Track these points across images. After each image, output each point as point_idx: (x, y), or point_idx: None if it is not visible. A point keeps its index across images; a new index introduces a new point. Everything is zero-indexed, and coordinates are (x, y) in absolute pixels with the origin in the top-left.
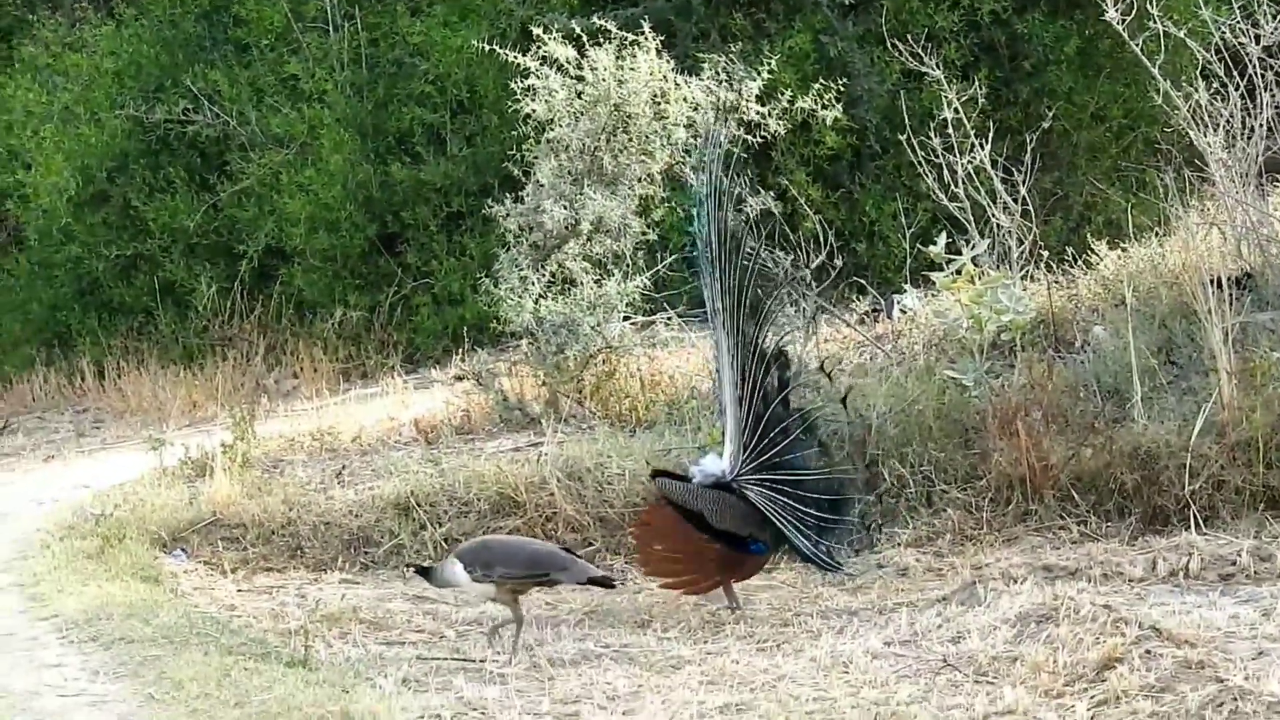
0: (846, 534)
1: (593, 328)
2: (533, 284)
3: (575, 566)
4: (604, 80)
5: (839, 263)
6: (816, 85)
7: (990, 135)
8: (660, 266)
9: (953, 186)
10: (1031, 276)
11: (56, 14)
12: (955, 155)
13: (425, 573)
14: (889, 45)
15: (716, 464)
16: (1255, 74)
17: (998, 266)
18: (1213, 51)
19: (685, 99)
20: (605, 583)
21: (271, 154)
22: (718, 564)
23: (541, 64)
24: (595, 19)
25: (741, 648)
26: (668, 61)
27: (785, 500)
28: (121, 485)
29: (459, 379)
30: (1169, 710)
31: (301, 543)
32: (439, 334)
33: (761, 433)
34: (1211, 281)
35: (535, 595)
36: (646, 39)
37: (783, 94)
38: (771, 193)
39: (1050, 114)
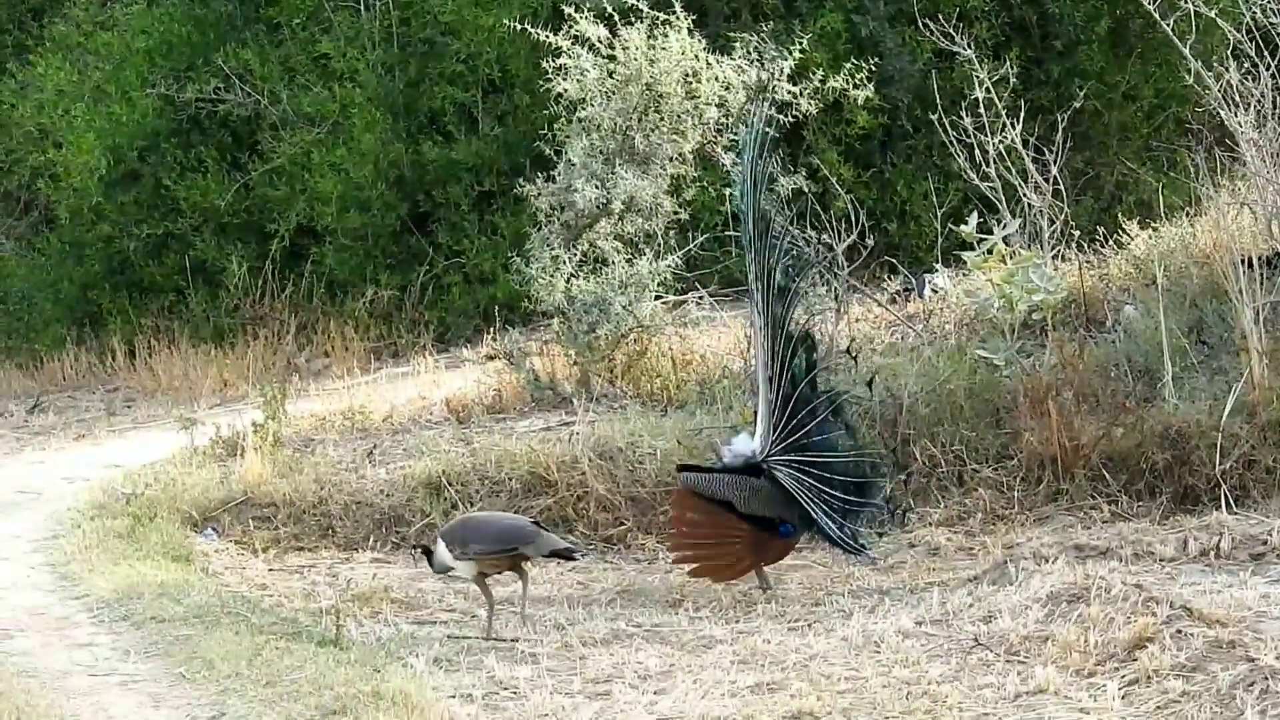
0: (871, 517)
1: (624, 307)
2: (564, 263)
3: (540, 540)
4: (635, 59)
5: (870, 242)
6: (848, 65)
7: (1021, 115)
8: (692, 246)
9: (984, 166)
10: (1062, 256)
11: None
12: (986, 135)
13: (428, 555)
14: (920, 24)
15: (747, 444)
16: None
17: (1029, 246)
18: (1244, 31)
19: (717, 78)
20: (567, 555)
21: (303, 133)
22: (746, 545)
23: (573, 43)
24: None
25: (773, 627)
26: (699, 41)
27: (811, 482)
28: (152, 464)
29: (490, 358)
30: (1200, 689)
31: (333, 522)
32: (470, 313)
33: (790, 414)
34: (1242, 261)
35: (568, 575)
36: (678, 18)
37: (814, 73)
38: (803, 172)
39: (1081, 93)
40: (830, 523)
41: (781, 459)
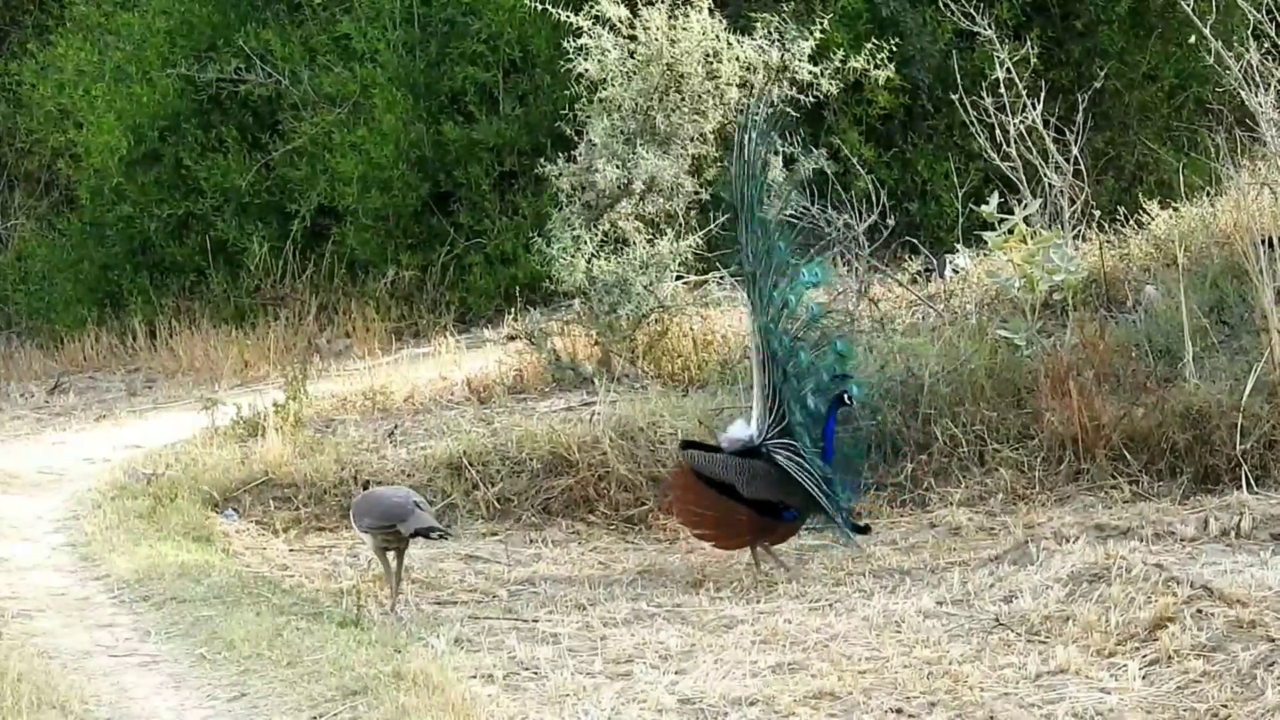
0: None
1: (645, 287)
2: (585, 243)
3: (411, 518)
4: (656, 40)
5: (891, 222)
6: (869, 45)
7: (1042, 95)
8: (713, 226)
9: (1005, 146)
10: (1083, 236)
11: None
12: (1007, 115)
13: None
14: (941, 4)
15: (744, 429)
16: None
17: (1050, 226)
18: (1264, 11)
19: (738, 58)
20: (428, 534)
21: (324, 113)
22: (748, 528)
23: (594, 23)
24: None
25: (794, 607)
26: (720, 21)
27: (806, 466)
28: (173, 445)
29: (511, 338)
30: (1220, 669)
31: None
32: (491, 293)
33: (777, 398)
34: (1263, 241)
35: (589, 556)
36: None
37: (835, 54)
38: (824, 152)
39: (1102, 74)
40: (829, 504)
41: (778, 442)
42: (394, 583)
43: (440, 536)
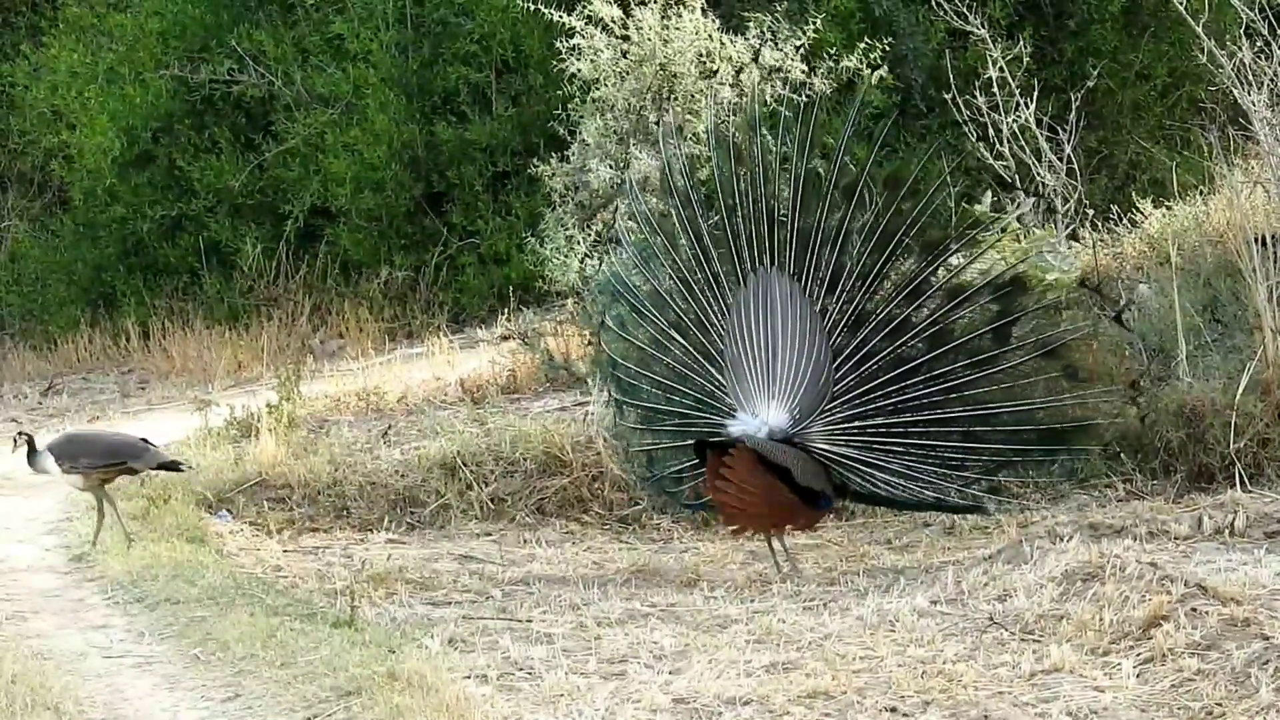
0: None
1: None
2: (578, 243)
3: (148, 454)
4: (649, 40)
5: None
6: (862, 44)
7: (1035, 94)
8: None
9: (998, 145)
10: (1076, 235)
11: None
12: (1000, 114)
13: (31, 448)
14: (934, 4)
15: (759, 421)
16: None
17: (1043, 225)
18: (1256, 10)
19: (730, 58)
20: (174, 466)
21: (317, 114)
22: (792, 514)
23: (587, 23)
24: None
25: (788, 607)
26: (713, 21)
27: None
28: (166, 446)
29: (505, 339)
30: (1214, 668)
31: (347, 503)
32: (485, 294)
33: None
34: (1256, 240)
35: (583, 555)
36: None
37: (828, 53)
38: (816, 151)
39: (1095, 72)
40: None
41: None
42: (117, 513)
43: (187, 468)
